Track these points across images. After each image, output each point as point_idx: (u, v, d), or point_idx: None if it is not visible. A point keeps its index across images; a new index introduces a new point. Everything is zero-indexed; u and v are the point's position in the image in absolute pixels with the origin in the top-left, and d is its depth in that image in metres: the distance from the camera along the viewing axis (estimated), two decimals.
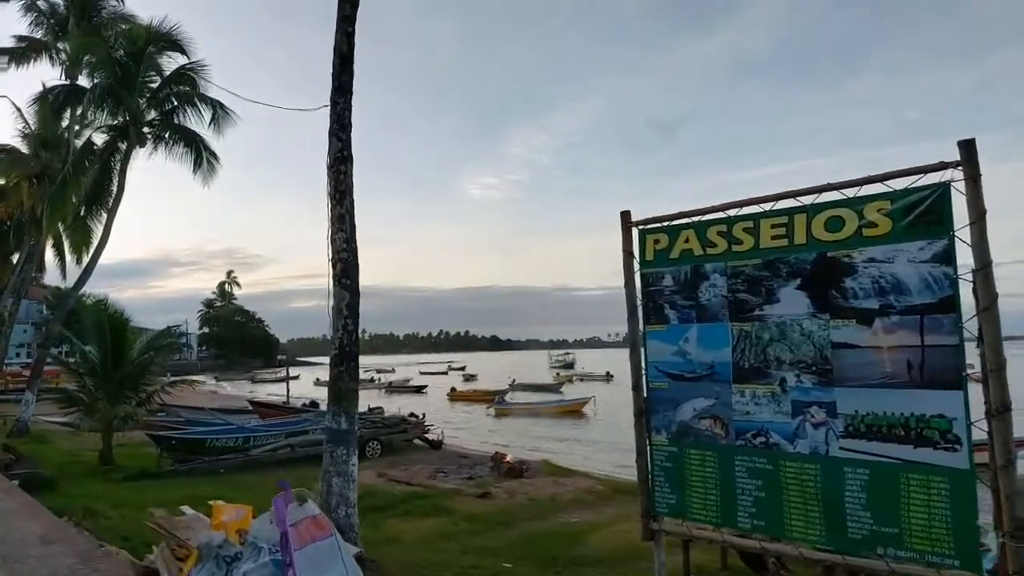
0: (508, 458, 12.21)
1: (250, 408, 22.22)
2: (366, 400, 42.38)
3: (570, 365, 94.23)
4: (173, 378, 15.27)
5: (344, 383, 6.93)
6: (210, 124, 22.57)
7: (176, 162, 23.25)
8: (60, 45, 24.84)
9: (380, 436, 15.61)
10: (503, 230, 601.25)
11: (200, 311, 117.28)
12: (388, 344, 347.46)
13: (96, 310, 13.98)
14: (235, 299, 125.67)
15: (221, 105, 22.40)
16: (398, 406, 28.37)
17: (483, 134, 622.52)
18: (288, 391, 32.96)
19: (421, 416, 17.46)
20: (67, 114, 24.50)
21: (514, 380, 53.25)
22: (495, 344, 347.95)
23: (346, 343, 7.00)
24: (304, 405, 25.93)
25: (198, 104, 22.39)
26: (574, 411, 33.81)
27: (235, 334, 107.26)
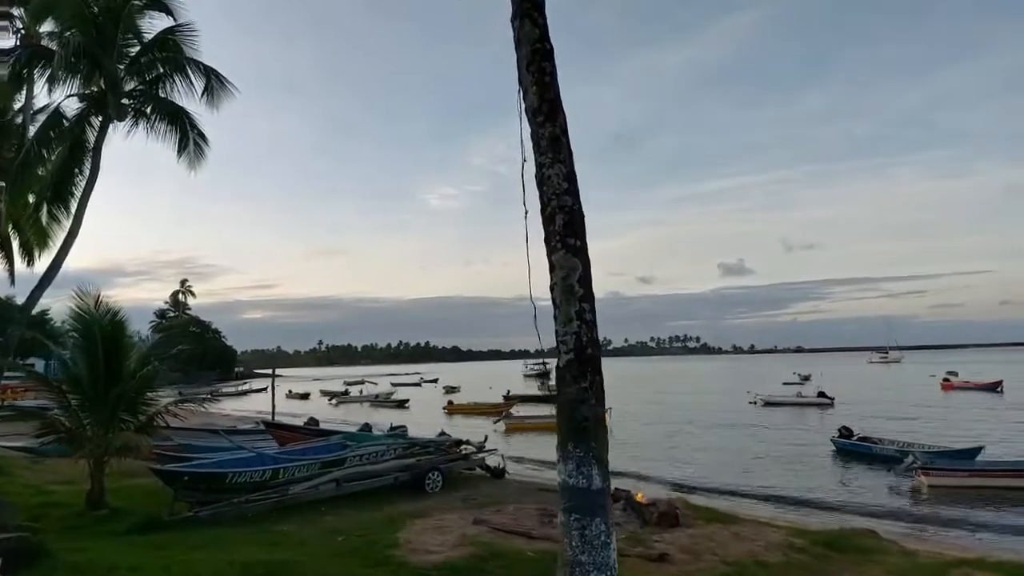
0: (640, 497, 9.51)
1: (261, 429, 18.93)
2: (367, 415, 39.15)
3: (546, 374, 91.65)
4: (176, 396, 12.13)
5: (589, 408, 4.19)
6: (202, 96, 19.38)
7: (159, 142, 20.00)
8: (16, 12, 21.25)
9: (440, 465, 12.72)
10: (463, 240, 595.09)
11: (152, 322, 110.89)
12: (345, 356, 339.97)
13: (84, 311, 10.78)
14: (189, 309, 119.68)
15: (216, 74, 19.25)
16: (391, 421, 25.47)
17: (442, 142, 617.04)
18: (273, 406, 29.48)
19: (484, 439, 14.56)
20: (23, 92, 21.01)
21: (508, 391, 50.43)
22: (457, 355, 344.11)
23: (585, 342, 4.28)
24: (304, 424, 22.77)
25: (189, 73, 19.21)
26: None
27: (192, 346, 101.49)
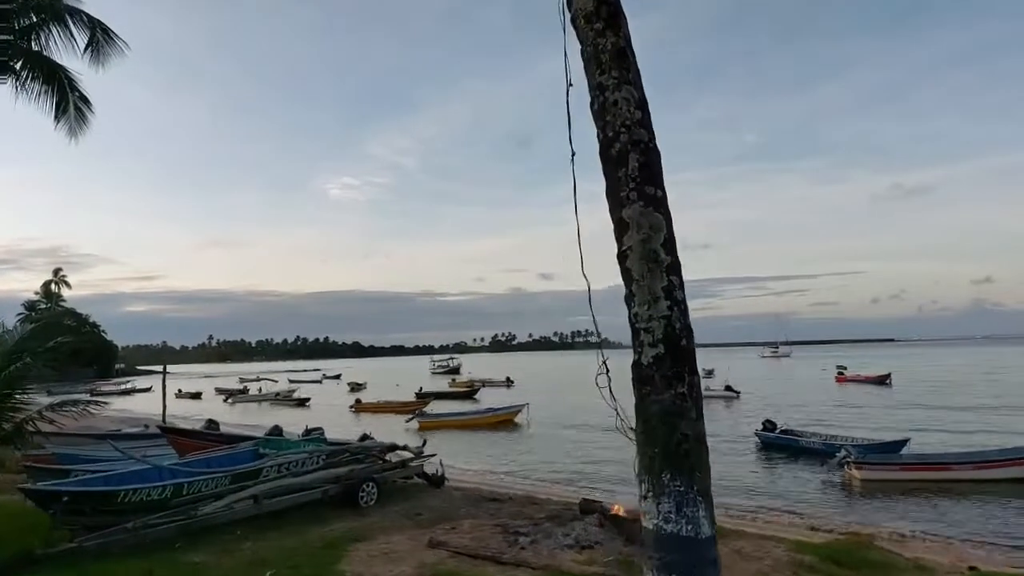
0: (619, 509, 8.38)
1: (152, 432, 16.56)
2: (266, 415, 36.59)
3: (455, 370, 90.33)
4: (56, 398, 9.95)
5: (690, 423, 3.03)
6: (85, 51, 16.82)
7: (31, 104, 17.21)
8: None
9: (375, 475, 11.19)
10: (364, 234, 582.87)
11: (20, 314, 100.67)
12: (238, 352, 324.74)
13: None
14: (64, 301, 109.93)
15: (103, 27, 16.72)
16: (305, 423, 23.51)
17: (344, 132, 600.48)
18: (165, 407, 26.63)
19: (422, 443, 13.05)
20: None
21: (421, 388, 48.68)
22: (358, 351, 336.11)
23: (679, 329, 3.12)
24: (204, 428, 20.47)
25: (70, 24, 16.58)
26: (507, 421, 30.36)
27: (72, 339, 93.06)
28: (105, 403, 11.51)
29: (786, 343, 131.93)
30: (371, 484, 10.82)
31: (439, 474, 12.39)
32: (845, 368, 59.62)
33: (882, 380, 49.02)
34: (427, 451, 13.05)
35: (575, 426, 28.71)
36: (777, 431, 21.75)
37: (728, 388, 40.98)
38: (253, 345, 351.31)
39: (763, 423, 22.52)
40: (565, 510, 9.31)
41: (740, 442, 22.92)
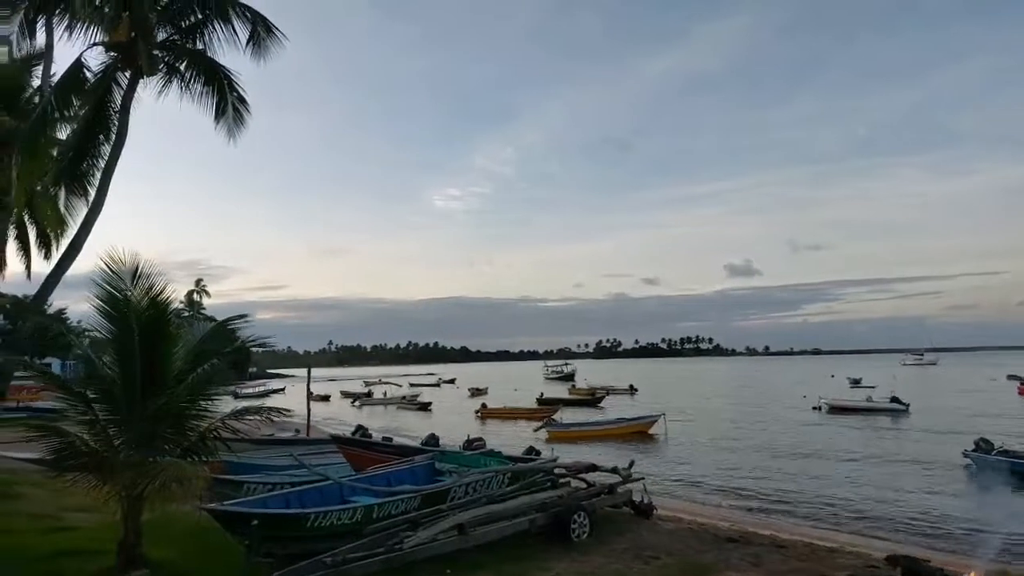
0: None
1: (312, 439, 15.82)
2: (393, 419, 36.02)
3: (570, 376, 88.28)
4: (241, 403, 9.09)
5: None
6: (247, 46, 16.43)
7: (194, 104, 17.06)
8: None
9: (583, 502, 9.55)
10: (467, 241, 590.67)
11: None
12: (355, 356, 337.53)
13: (117, 288, 7.70)
14: (204, 309, 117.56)
15: (264, 21, 16.26)
16: (467, 433, 22.10)
17: (447, 144, 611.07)
18: (309, 411, 26.21)
19: (629, 464, 11.29)
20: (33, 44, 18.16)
21: (542, 394, 47.17)
22: (465, 355, 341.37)
23: None
24: (364, 436, 19.75)
25: (232, 19, 16.22)
26: (642, 431, 28.08)
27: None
28: (289, 411, 10.48)
29: (931, 349, 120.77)
30: (582, 514, 9.15)
31: (646, 502, 10.55)
32: (1019, 377, 52.83)
33: None
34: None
35: (721, 441, 26.11)
36: (994, 452, 18.43)
37: (895, 400, 36.72)
38: (369, 350, 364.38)
39: (976, 443, 19.22)
40: (867, 568, 7.23)
41: (945, 466, 19.73)
